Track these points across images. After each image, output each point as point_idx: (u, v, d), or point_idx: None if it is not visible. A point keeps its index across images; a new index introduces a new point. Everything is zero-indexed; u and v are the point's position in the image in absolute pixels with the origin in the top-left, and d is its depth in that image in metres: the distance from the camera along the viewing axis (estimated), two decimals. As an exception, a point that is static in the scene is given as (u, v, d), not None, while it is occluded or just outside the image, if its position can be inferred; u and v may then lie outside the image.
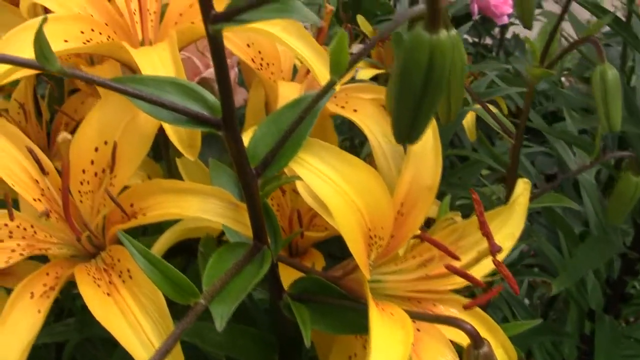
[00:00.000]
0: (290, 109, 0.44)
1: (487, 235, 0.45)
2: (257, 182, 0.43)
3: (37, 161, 0.47)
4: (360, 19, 0.94)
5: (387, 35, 0.86)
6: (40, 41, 0.36)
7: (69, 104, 0.63)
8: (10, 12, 0.63)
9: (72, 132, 0.63)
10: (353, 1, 1.02)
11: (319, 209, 0.47)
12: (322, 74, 0.49)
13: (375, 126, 0.54)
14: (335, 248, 0.62)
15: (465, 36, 1.30)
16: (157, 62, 0.47)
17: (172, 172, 0.57)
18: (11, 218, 0.46)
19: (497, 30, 1.35)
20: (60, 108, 0.62)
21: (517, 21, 1.34)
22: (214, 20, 0.36)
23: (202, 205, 0.46)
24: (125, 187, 0.48)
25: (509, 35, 1.38)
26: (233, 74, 0.61)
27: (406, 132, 0.31)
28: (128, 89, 0.38)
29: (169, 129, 0.46)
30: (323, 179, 0.44)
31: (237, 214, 0.46)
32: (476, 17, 1.14)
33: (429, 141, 0.49)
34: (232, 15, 0.35)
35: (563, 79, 1.35)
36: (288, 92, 0.53)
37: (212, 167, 0.50)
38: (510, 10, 1.21)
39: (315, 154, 0.44)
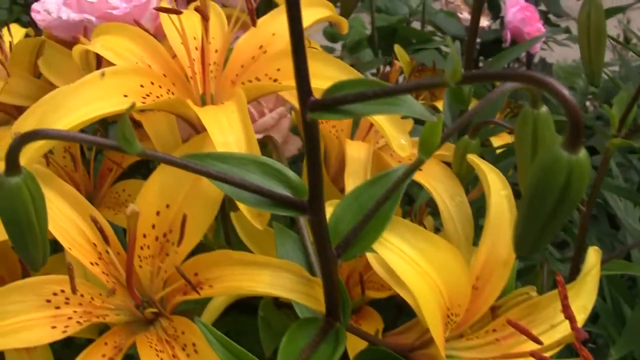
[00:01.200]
0: (372, 186, 0.42)
1: (570, 319, 0.43)
2: (338, 263, 0.41)
3: (101, 231, 0.45)
4: (397, 48, 0.92)
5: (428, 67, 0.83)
6: (124, 125, 0.34)
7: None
8: (60, 53, 0.61)
9: (119, 178, 0.61)
10: (388, 29, 0.99)
11: (394, 284, 0.45)
12: (396, 140, 0.47)
13: (442, 188, 0.52)
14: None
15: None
16: (225, 125, 0.45)
17: (226, 225, 0.55)
18: (74, 290, 0.43)
19: (522, 54, 1.33)
20: (107, 153, 0.60)
21: (544, 45, 1.33)
22: (313, 108, 0.34)
23: (273, 280, 0.44)
24: (189, 255, 0.46)
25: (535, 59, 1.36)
26: (287, 121, 0.59)
27: (530, 247, 0.30)
28: (211, 170, 0.36)
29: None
30: (406, 261, 0.42)
31: (309, 288, 0.44)
32: (508, 44, 1.13)
33: (505, 214, 0.47)
34: (335, 104, 0.33)
35: (588, 103, 1.34)
36: (357, 153, 0.50)
37: (277, 232, 0.48)
38: (542, 39, 1.20)
39: (398, 234, 0.42)
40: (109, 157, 0.60)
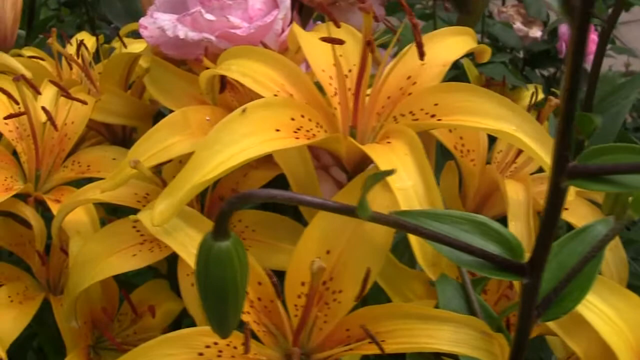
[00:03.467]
0: (571, 242, 0.39)
1: None
2: (536, 321, 0.38)
3: (275, 285, 0.42)
4: (466, 62, 0.89)
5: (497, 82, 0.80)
6: (363, 195, 0.31)
7: (230, 176, 0.57)
8: (168, 72, 0.57)
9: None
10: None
11: (570, 341, 0.43)
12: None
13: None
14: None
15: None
16: (400, 168, 0.42)
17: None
18: (247, 350, 0.40)
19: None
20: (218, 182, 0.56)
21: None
22: (572, 175, 0.31)
23: (455, 336, 0.41)
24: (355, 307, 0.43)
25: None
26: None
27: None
28: (426, 230, 0.33)
29: (415, 243, 0.41)
30: (604, 320, 0.40)
31: (491, 345, 0.41)
32: (563, 55, 1.11)
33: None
34: (601, 173, 0.30)
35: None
36: (516, 194, 0.48)
37: (439, 280, 0.45)
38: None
39: (598, 294, 0.40)
40: (220, 184, 0.56)
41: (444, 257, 0.42)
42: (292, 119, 0.45)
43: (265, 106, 0.45)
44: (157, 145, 0.52)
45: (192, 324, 0.51)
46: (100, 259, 0.53)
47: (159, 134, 0.52)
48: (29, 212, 0.59)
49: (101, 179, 0.59)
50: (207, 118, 0.54)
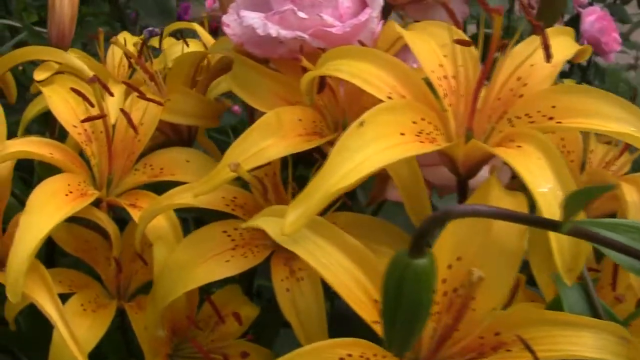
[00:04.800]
0: None
1: None
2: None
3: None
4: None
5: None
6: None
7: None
8: (253, 70, 0.56)
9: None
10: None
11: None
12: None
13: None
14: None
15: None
16: (538, 175, 0.41)
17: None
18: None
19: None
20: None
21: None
22: None
23: (595, 342, 0.40)
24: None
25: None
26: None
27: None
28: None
29: (555, 243, 0.40)
30: None
31: (629, 350, 0.41)
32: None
33: None
34: None
35: None
36: (631, 196, 0.48)
37: (558, 282, 0.44)
38: (619, 48, 1.19)
39: None
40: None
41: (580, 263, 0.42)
42: (414, 122, 0.44)
43: (388, 110, 0.44)
44: (251, 148, 0.50)
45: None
46: (191, 266, 0.52)
47: (253, 136, 0.51)
48: (104, 218, 0.56)
49: (178, 182, 0.57)
50: (299, 119, 0.53)
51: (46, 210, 0.53)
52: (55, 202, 0.54)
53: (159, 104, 0.58)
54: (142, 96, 0.57)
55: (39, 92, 0.63)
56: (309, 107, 0.53)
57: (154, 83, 0.63)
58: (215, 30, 0.97)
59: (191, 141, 0.65)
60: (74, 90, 0.56)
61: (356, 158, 0.41)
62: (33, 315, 0.57)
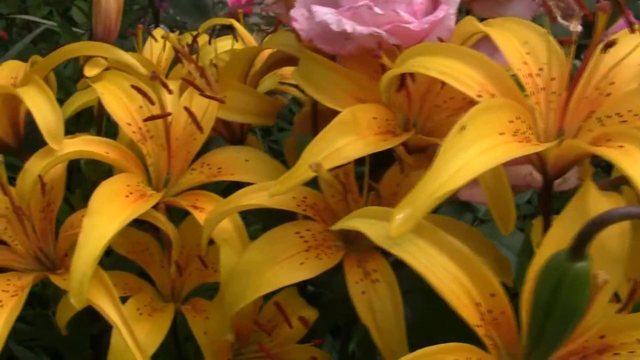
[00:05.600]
0: None
1: None
2: None
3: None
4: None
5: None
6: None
7: (389, 178, 0.54)
8: (320, 66, 0.54)
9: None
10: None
11: None
12: None
13: None
14: None
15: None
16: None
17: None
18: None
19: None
20: (379, 183, 0.54)
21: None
22: None
23: None
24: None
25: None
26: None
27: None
28: None
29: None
30: None
31: None
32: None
33: None
34: None
35: None
36: None
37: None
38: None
39: None
40: (377, 187, 0.54)
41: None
42: (510, 122, 0.43)
43: (487, 109, 0.42)
44: (329, 147, 0.49)
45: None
46: (263, 269, 0.50)
47: (330, 135, 0.49)
48: (163, 220, 0.54)
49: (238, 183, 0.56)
50: (374, 117, 0.51)
51: (108, 213, 0.51)
52: (116, 204, 0.52)
53: (220, 101, 0.56)
54: (202, 93, 0.55)
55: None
56: (382, 106, 0.52)
57: (205, 79, 0.61)
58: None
59: (244, 139, 0.63)
60: (134, 87, 0.54)
61: (460, 160, 0.40)
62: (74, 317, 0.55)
